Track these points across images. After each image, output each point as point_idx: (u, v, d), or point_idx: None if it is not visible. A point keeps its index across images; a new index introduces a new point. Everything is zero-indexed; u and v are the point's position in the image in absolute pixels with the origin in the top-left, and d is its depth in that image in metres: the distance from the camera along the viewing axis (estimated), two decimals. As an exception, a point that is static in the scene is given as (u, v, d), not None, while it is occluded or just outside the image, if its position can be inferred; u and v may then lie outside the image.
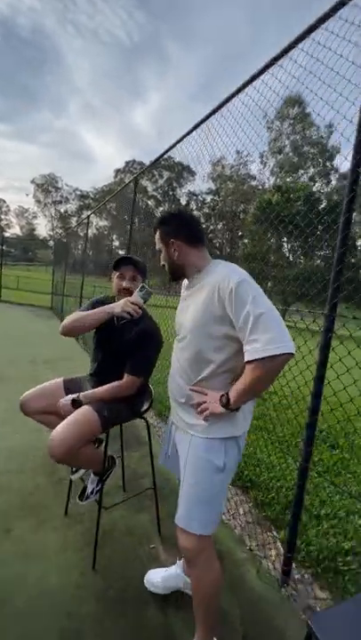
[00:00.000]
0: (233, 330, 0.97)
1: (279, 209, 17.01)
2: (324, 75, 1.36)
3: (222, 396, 1.02)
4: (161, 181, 50.26)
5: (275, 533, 1.81)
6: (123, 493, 2.01)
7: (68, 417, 1.36)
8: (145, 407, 1.63)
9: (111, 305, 1.41)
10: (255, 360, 0.90)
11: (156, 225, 1.18)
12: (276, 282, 18.36)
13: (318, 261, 18.28)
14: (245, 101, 1.79)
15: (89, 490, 1.57)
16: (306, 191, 17.53)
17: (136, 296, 1.38)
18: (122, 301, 1.36)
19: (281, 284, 18.16)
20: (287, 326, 0.93)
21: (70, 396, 1.48)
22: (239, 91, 1.78)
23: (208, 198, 46.36)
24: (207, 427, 1.06)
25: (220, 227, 46.50)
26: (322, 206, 17.97)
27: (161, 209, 50.86)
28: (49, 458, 1.30)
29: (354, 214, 1.29)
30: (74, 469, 1.68)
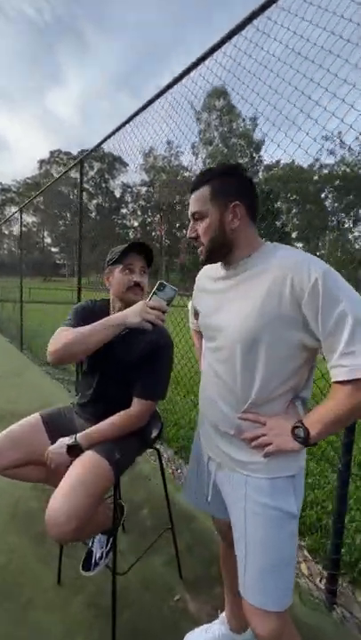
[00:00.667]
0: (307, 336, 0.74)
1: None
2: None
3: (296, 427, 0.76)
4: (92, 173, 47.78)
5: (305, 552, 1.64)
6: (124, 535, 1.67)
7: (69, 474, 0.99)
8: (155, 434, 1.31)
9: (122, 314, 0.99)
10: (358, 380, 0.67)
11: (212, 177, 0.83)
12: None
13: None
14: (175, 94, 2.03)
15: (97, 555, 1.20)
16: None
17: (157, 298, 0.96)
18: (138, 307, 0.96)
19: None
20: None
21: (63, 441, 1.09)
22: (176, 82, 1.95)
23: (143, 190, 45.51)
24: (267, 463, 0.81)
25: (157, 219, 46.12)
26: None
27: (95, 202, 48.52)
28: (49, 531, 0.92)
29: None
30: (93, 561, 1.29)
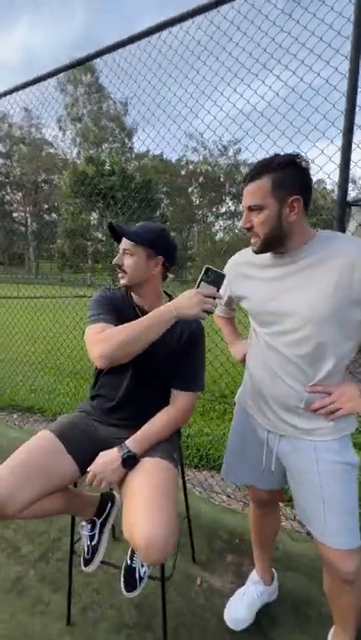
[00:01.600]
0: None
1: (96, 181, 16.41)
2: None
3: None
4: None
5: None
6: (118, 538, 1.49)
7: (141, 490, 0.84)
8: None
9: (173, 306, 0.86)
10: None
11: (274, 168, 0.81)
12: (105, 257, 18.11)
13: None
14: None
15: (140, 570, 1.03)
16: (119, 166, 17.64)
17: (206, 285, 0.87)
18: (192, 298, 0.84)
19: (110, 259, 18.12)
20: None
21: (110, 455, 0.91)
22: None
23: (-2, 161, 38.61)
24: (333, 426, 0.90)
25: (19, 197, 40.15)
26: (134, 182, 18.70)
27: None
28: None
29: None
30: (88, 554, 1.08)
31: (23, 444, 0.97)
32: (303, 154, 0.87)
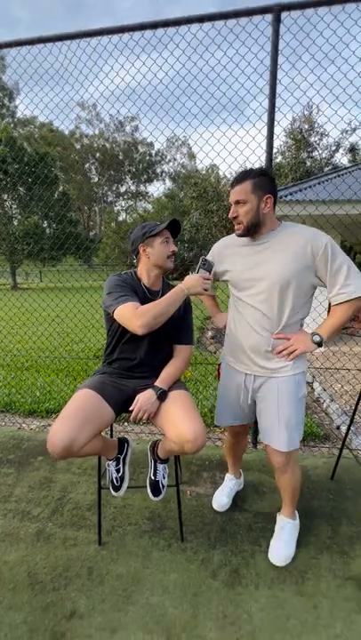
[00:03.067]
0: (316, 279, 1.20)
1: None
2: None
3: (314, 335, 1.23)
4: None
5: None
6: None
7: (175, 409, 1.20)
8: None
9: (184, 286, 1.21)
10: (352, 300, 1.15)
11: (253, 176, 1.19)
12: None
13: (36, 217, 17.57)
14: None
15: (162, 481, 1.39)
16: (6, 134, 15.40)
17: (203, 271, 1.24)
18: (195, 280, 1.20)
19: (6, 242, 16.04)
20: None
21: (148, 394, 1.24)
22: None
23: None
24: (291, 365, 1.27)
25: None
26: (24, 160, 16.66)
27: None
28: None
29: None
30: (117, 482, 1.37)
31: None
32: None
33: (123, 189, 47.40)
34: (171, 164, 47.65)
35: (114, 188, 47.20)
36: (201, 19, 1.82)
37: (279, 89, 1.81)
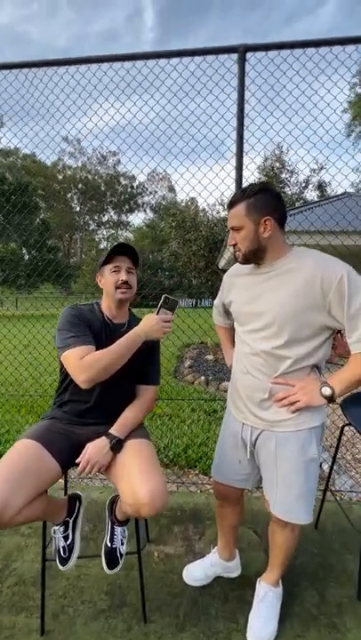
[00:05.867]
0: (330, 319, 0.96)
1: None
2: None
3: (324, 386, 0.98)
4: None
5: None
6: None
7: (131, 463, 1.01)
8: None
9: (140, 331, 1.09)
10: None
11: (247, 196, 0.99)
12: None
13: (13, 244, 17.36)
14: None
15: (121, 547, 1.15)
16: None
17: (164, 311, 1.11)
18: (154, 324, 1.09)
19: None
20: None
21: (99, 444, 1.06)
22: None
23: None
24: (294, 419, 1.02)
25: None
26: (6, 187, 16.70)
27: None
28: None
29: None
30: (65, 554, 1.13)
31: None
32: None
33: (105, 219, 48.29)
34: (151, 196, 49.35)
35: (95, 217, 48.01)
36: (169, 54, 1.84)
37: (252, 128, 1.85)
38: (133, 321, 1.25)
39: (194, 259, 12.95)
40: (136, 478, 0.96)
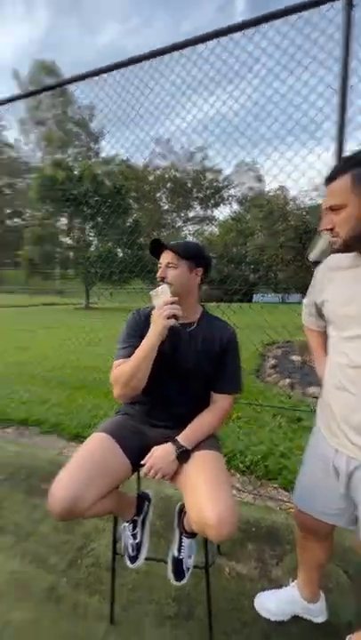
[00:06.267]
0: None
1: (67, 187, 16.07)
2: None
3: None
4: None
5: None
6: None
7: (198, 477, 0.93)
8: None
9: (150, 332, 1.02)
10: None
11: (354, 164, 0.79)
12: (76, 264, 17.71)
13: (110, 244, 19.10)
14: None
15: (188, 560, 1.10)
16: (89, 171, 17.38)
17: (156, 298, 1.06)
18: (154, 318, 1.02)
19: (83, 265, 17.74)
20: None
21: (165, 449, 1.01)
22: None
23: None
24: None
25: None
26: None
27: None
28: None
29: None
30: (133, 552, 1.13)
31: (70, 453, 1.01)
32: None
33: (191, 214, 49.27)
34: (238, 188, 48.15)
35: (182, 214, 49.37)
36: (256, 22, 1.65)
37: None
38: (205, 319, 1.15)
39: (281, 251, 12.14)
40: (203, 496, 0.87)
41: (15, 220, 37.90)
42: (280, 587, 1.28)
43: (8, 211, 37.76)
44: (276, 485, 2.02)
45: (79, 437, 2.68)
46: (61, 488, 0.89)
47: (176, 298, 1.02)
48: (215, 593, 1.30)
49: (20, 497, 1.90)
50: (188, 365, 1.09)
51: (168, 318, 0.98)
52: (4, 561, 1.46)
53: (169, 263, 1.09)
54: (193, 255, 1.09)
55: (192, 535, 1.12)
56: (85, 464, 0.95)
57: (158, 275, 1.09)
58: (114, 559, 1.21)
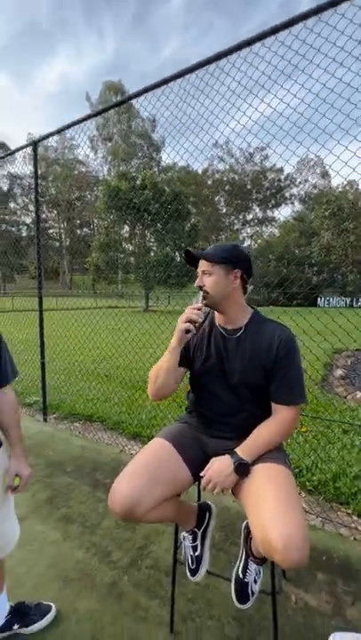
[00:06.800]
0: None
1: (130, 196, 17.01)
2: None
3: None
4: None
5: None
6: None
7: (265, 494, 0.85)
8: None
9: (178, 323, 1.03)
10: None
11: None
12: (136, 269, 18.60)
13: (168, 248, 19.63)
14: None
15: (254, 585, 1.04)
16: (151, 180, 18.17)
17: (198, 300, 1.05)
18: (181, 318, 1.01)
19: (143, 270, 18.59)
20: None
21: (223, 462, 0.96)
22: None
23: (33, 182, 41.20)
24: None
25: (53, 215, 42.36)
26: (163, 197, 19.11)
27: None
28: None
29: None
30: (193, 564, 1.11)
31: (136, 452, 1.02)
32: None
33: (249, 217, 48.20)
34: (301, 186, 45.77)
35: (240, 217, 48.56)
36: (318, 9, 1.51)
37: None
38: (255, 323, 1.07)
39: (351, 251, 11.14)
40: (268, 515, 0.79)
41: (84, 229, 41.35)
42: (356, 630, 1.13)
43: (78, 221, 41.33)
44: (349, 511, 1.82)
45: (139, 436, 2.76)
46: (121, 490, 0.90)
47: (200, 305, 1.01)
48: (280, 621, 1.20)
49: (86, 489, 2.01)
50: (236, 374, 1.04)
51: (185, 322, 0.99)
52: (72, 549, 1.55)
53: (204, 271, 1.06)
54: (227, 258, 1.03)
55: (261, 561, 1.04)
56: (146, 470, 0.94)
57: (196, 284, 1.07)
58: (174, 566, 1.19)
